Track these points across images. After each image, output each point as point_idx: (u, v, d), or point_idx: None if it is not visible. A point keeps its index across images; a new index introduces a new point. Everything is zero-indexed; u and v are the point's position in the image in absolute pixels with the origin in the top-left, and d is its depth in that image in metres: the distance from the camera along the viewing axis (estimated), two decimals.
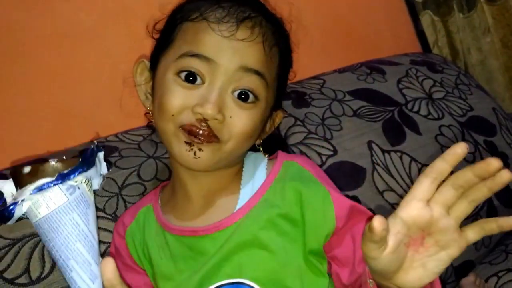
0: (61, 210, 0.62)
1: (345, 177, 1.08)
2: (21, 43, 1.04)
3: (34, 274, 0.83)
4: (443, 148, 1.18)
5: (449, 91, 1.35)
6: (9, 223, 0.64)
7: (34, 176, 0.62)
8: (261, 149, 0.81)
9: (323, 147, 1.10)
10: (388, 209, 1.08)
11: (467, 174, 0.53)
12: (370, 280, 0.61)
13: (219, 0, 0.74)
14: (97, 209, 0.90)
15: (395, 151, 1.15)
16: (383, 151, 1.14)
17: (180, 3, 0.79)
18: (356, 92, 1.24)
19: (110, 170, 0.90)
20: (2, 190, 0.63)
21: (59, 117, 1.08)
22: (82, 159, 0.64)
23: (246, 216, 0.74)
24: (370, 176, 1.10)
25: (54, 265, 0.84)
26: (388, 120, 1.20)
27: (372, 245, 0.52)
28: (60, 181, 0.62)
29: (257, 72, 0.72)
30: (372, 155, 1.12)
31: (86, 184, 0.65)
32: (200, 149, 0.71)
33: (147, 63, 0.80)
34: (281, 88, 0.80)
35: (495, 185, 0.53)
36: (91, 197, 0.65)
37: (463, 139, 1.23)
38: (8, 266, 0.82)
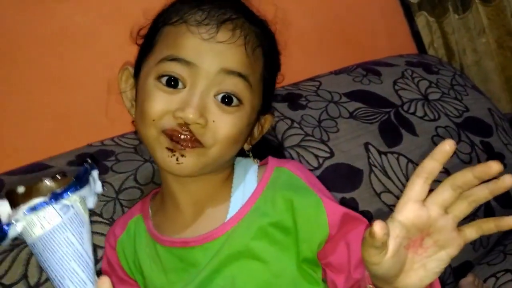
0: (55, 229, 0.61)
1: (342, 179, 1.08)
2: (18, 46, 1.04)
3: (32, 280, 0.83)
4: None
5: (445, 92, 1.35)
6: (4, 243, 0.63)
7: (28, 196, 0.61)
8: (250, 154, 0.80)
9: (319, 149, 1.10)
10: (386, 211, 1.08)
11: (467, 175, 0.53)
12: (370, 286, 0.61)
13: (199, 3, 0.73)
14: (94, 213, 0.90)
15: (392, 153, 1.15)
16: (380, 153, 1.14)
17: (163, 8, 0.77)
18: (352, 93, 1.24)
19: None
20: None
21: (56, 120, 1.08)
22: (75, 178, 0.64)
23: (237, 226, 0.73)
24: (367, 178, 1.10)
25: None
26: (385, 122, 1.20)
27: (373, 250, 0.52)
28: (53, 201, 0.61)
29: (239, 75, 0.71)
30: (368, 157, 1.13)
31: (80, 203, 0.64)
32: (182, 155, 0.69)
33: (131, 69, 0.79)
34: (268, 91, 0.78)
35: (497, 188, 0.53)
36: (85, 216, 0.65)
37: (460, 140, 1.23)
38: (6, 272, 0.82)
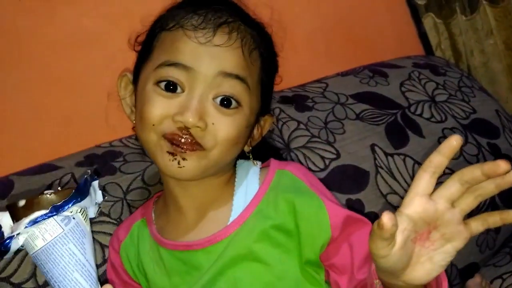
0: (57, 241, 0.62)
1: (348, 180, 1.08)
2: (25, 49, 1.05)
3: (41, 279, 0.84)
4: None
5: (452, 93, 1.35)
6: (7, 256, 0.65)
7: (29, 209, 0.62)
8: (251, 156, 0.80)
9: (326, 150, 1.10)
10: (392, 213, 1.08)
11: (475, 172, 0.54)
12: (377, 281, 0.61)
13: (195, 8, 0.73)
14: (102, 214, 0.91)
15: (398, 154, 1.16)
16: (386, 154, 1.14)
17: (159, 14, 0.78)
18: (359, 95, 1.25)
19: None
20: (1, 223, 0.64)
21: (65, 121, 1.09)
22: (75, 189, 0.65)
23: (240, 229, 0.73)
24: (373, 179, 1.10)
25: None
26: (391, 123, 1.20)
27: (381, 243, 0.53)
28: (54, 213, 0.62)
29: (237, 77, 0.71)
30: (375, 158, 1.13)
31: (82, 214, 0.65)
32: (184, 158, 0.69)
33: (130, 76, 0.79)
34: (266, 93, 0.79)
35: (504, 183, 0.54)
36: (87, 227, 0.65)
37: (466, 142, 1.23)
38: (15, 271, 0.83)
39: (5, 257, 0.65)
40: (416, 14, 1.57)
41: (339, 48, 1.46)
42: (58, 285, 0.62)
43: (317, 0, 1.41)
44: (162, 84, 0.71)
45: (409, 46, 1.59)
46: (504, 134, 1.33)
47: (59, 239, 0.62)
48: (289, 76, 1.24)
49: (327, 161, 1.09)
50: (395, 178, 1.12)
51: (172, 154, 0.69)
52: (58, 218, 0.63)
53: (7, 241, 0.62)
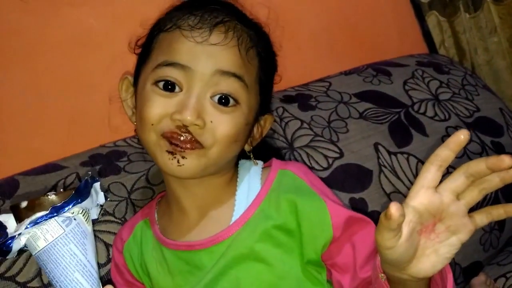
0: (58, 241, 0.63)
1: (352, 179, 1.09)
2: (32, 49, 1.05)
3: (46, 278, 0.84)
4: None
5: (455, 92, 1.35)
6: (9, 256, 0.65)
7: (31, 210, 0.63)
8: (251, 155, 0.80)
9: (329, 149, 1.11)
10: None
11: (480, 165, 0.54)
12: (382, 275, 0.62)
13: (191, 9, 0.74)
14: (107, 213, 0.91)
15: (402, 153, 1.16)
16: (390, 153, 1.14)
17: (158, 17, 0.79)
18: (362, 94, 1.25)
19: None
20: (6, 224, 0.65)
21: (70, 121, 1.10)
22: (76, 191, 0.65)
23: (242, 229, 0.74)
24: (376, 178, 1.10)
25: None
26: (395, 122, 1.20)
27: (388, 233, 0.53)
28: (54, 214, 0.63)
29: (234, 75, 0.71)
30: (378, 157, 1.13)
31: (83, 215, 0.66)
32: (183, 157, 0.70)
33: (131, 78, 0.80)
34: (265, 92, 0.79)
35: (509, 177, 0.55)
36: (88, 228, 0.66)
37: (470, 140, 1.23)
38: (21, 270, 0.84)
39: (8, 257, 0.66)
40: (419, 12, 1.57)
41: (343, 47, 1.46)
42: (59, 285, 0.63)
43: None
44: (160, 84, 0.71)
45: (413, 45, 1.59)
46: (508, 133, 1.33)
47: (60, 239, 0.63)
48: (293, 75, 1.25)
49: (330, 160, 1.09)
50: (398, 177, 1.12)
51: (172, 153, 0.70)
52: (59, 219, 0.63)
53: (9, 241, 0.63)
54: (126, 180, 0.97)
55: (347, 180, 1.08)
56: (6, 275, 0.83)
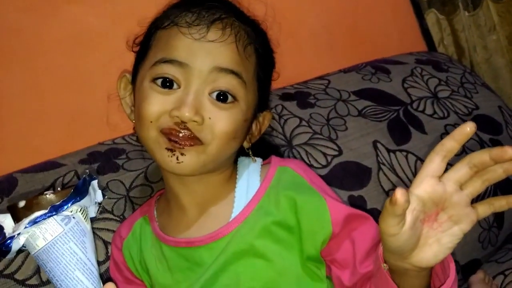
0: (57, 240, 0.63)
1: (351, 177, 1.09)
2: (31, 47, 1.05)
3: (44, 276, 0.84)
4: None
5: (454, 89, 1.35)
6: (8, 256, 0.65)
7: (29, 209, 0.63)
8: (250, 152, 0.80)
9: (328, 147, 1.11)
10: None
11: (483, 156, 0.55)
12: (384, 265, 0.62)
13: (189, 6, 0.74)
14: (105, 211, 0.91)
15: (401, 151, 1.16)
16: (388, 151, 1.15)
17: (156, 15, 0.79)
18: (361, 92, 1.25)
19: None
20: (3, 225, 0.65)
21: (69, 119, 1.10)
22: (74, 189, 0.65)
23: (241, 225, 0.74)
24: (375, 176, 1.10)
25: None
26: (393, 120, 1.20)
27: (392, 220, 0.53)
28: (53, 213, 0.63)
29: (232, 72, 0.71)
30: (377, 155, 1.13)
31: (82, 213, 0.66)
32: (182, 154, 0.70)
33: (129, 76, 0.80)
34: (263, 88, 0.79)
35: None
36: (87, 226, 0.66)
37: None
38: (19, 267, 0.84)
39: (7, 257, 0.66)
40: (418, 10, 1.57)
41: (343, 45, 1.46)
42: (60, 284, 0.63)
43: None
44: (159, 81, 0.72)
45: (412, 42, 1.59)
46: (506, 130, 1.33)
47: (60, 238, 0.63)
48: (293, 73, 1.25)
49: (329, 158, 1.09)
50: (397, 175, 1.12)
51: (171, 150, 0.70)
52: (58, 217, 0.63)
53: (8, 241, 0.63)
54: (125, 177, 0.97)
55: (346, 178, 1.08)
56: (4, 272, 0.83)
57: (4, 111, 1.05)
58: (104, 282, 0.65)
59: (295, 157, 1.06)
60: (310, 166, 1.06)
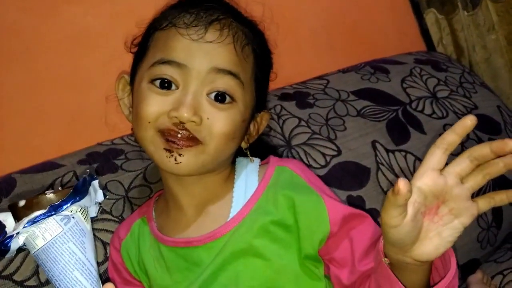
0: (57, 240, 0.63)
1: (350, 177, 1.09)
2: (30, 47, 1.05)
3: (43, 277, 0.84)
4: None
5: (453, 89, 1.34)
6: (8, 255, 0.65)
7: (29, 209, 0.63)
8: (248, 153, 0.81)
9: (327, 147, 1.11)
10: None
11: (484, 149, 0.56)
12: (385, 259, 0.62)
13: (187, 7, 0.74)
14: (104, 211, 0.91)
15: (400, 151, 1.16)
16: (387, 151, 1.14)
17: (154, 16, 0.79)
18: (360, 92, 1.25)
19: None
20: (5, 223, 0.65)
21: (68, 119, 1.10)
22: (73, 189, 0.65)
23: (240, 224, 0.74)
24: (374, 176, 1.10)
25: None
26: (392, 120, 1.20)
27: (394, 211, 0.54)
28: (53, 212, 0.63)
29: (230, 73, 0.72)
30: (376, 155, 1.13)
31: (82, 213, 0.66)
32: (180, 154, 0.70)
33: (127, 78, 0.81)
34: (261, 89, 0.80)
35: None
36: (87, 226, 0.66)
37: (468, 138, 1.23)
38: (18, 268, 0.84)
39: (6, 256, 0.66)
40: (417, 10, 1.57)
41: (342, 45, 1.46)
42: (59, 284, 0.63)
43: None
44: (157, 82, 0.72)
45: (411, 42, 1.59)
46: (505, 130, 1.33)
47: (59, 238, 0.63)
48: (292, 73, 1.25)
49: (328, 158, 1.09)
50: (396, 175, 1.12)
51: (169, 150, 0.70)
52: (57, 217, 0.63)
53: (7, 240, 0.63)
54: (124, 178, 0.97)
55: (345, 178, 1.08)
56: (3, 273, 0.83)
57: (3, 111, 1.05)
58: (103, 283, 0.65)
59: (294, 157, 1.06)
60: (309, 166, 1.06)
